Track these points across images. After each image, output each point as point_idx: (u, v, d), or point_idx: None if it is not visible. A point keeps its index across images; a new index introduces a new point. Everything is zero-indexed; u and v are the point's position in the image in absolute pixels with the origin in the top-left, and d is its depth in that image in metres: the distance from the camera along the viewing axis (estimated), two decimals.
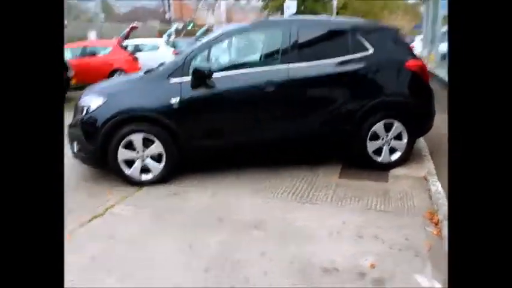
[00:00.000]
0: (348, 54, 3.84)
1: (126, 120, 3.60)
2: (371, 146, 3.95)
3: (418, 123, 4.04)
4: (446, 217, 2.86)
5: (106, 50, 10.82)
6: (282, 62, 3.74)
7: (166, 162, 3.72)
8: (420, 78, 3.93)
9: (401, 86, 3.92)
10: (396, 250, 2.57)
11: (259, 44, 4.08)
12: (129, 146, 3.66)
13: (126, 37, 11.17)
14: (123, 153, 3.65)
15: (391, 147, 4.01)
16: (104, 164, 3.76)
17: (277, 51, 3.80)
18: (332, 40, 3.94)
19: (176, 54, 8.02)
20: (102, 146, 3.62)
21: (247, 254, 2.57)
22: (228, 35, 3.83)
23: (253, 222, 3.00)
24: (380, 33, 3.96)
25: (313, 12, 26.22)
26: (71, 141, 3.87)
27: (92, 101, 3.69)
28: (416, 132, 4.13)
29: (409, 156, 4.15)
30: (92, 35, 12.86)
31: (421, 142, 4.81)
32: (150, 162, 3.72)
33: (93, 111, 3.63)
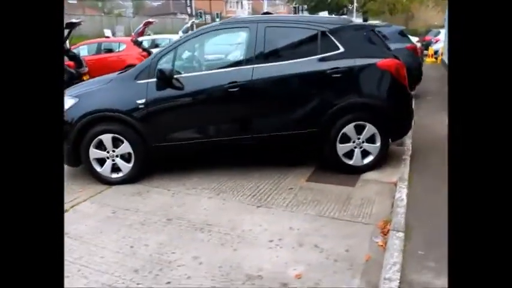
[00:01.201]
0: (317, 54, 3.74)
1: (96, 120, 3.71)
2: (341, 148, 3.85)
3: (392, 126, 3.89)
4: (397, 227, 2.77)
5: (122, 47, 11.14)
6: (247, 62, 3.70)
7: (135, 162, 3.81)
8: (394, 78, 3.77)
9: (373, 86, 3.78)
10: (331, 261, 2.51)
11: (227, 43, 4.06)
12: (100, 145, 3.78)
13: (141, 33, 11.42)
14: (94, 153, 3.78)
15: (363, 150, 3.89)
16: (78, 163, 3.91)
17: (243, 51, 3.76)
18: (301, 39, 3.85)
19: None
20: (74, 145, 3.76)
21: (181, 256, 2.61)
22: (195, 35, 3.84)
23: (200, 224, 3.02)
24: (352, 31, 3.82)
25: (339, 4, 25.63)
26: None
27: (66, 101, 3.83)
28: (391, 135, 3.97)
29: (383, 160, 4.01)
30: (108, 32, 13.25)
31: (407, 144, 4.63)
32: (120, 162, 3.83)
33: (66, 111, 3.77)
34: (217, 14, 33.42)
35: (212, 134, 3.77)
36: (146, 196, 3.61)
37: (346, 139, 3.84)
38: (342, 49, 3.74)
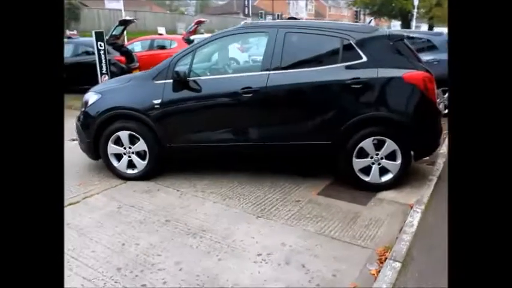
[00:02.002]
0: (338, 63, 3.55)
1: (115, 117, 3.86)
2: (358, 163, 3.62)
3: (416, 144, 3.58)
4: (396, 256, 2.54)
5: (173, 44, 11.54)
6: (263, 68, 3.61)
7: (149, 160, 3.90)
8: (421, 92, 3.46)
9: (396, 100, 3.50)
10: (313, 285, 2.36)
11: (246, 48, 3.99)
12: (118, 141, 3.92)
13: (193, 32, 11.75)
14: (112, 148, 3.93)
15: (382, 167, 3.62)
16: (99, 156, 4.09)
17: (260, 57, 3.68)
18: (321, 46, 3.68)
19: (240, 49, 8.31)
20: (95, 139, 3.94)
21: (165, 260, 2.60)
22: (214, 38, 3.82)
23: (195, 229, 3.00)
24: (377, 40, 3.57)
25: (402, 9, 24.40)
26: (77, 132, 4.28)
27: (91, 97, 4.02)
28: (414, 154, 3.66)
29: (403, 179, 3.71)
30: (162, 30, 13.75)
31: (438, 163, 4.24)
32: (135, 159, 3.94)
33: (89, 106, 3.96)
34: (278, 15, 33.49)
35: (224, 139, 3.73)
36: (154, 194, 3.68)
37: (363, 154, 3.60)
38: (364, 58, 3.51)
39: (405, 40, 3.72)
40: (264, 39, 3.74)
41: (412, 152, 3.65)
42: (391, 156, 3.59)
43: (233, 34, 3.80)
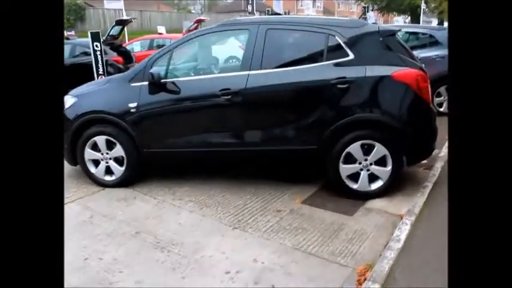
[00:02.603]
0: (323, 61, 3.31)
1: (92, 122, 3.68)
2: (345, 169, 3.37)
3: (409, 148, 3.32)
4: (376, 278, 2.30)
5: None
6: (243, 68, 3.39)
7: (127, 166, 3.72)
8: (413, 92, 3.20)
9: (385, 101, 3.24)
10: None
11: (225, 47, 3.78)
12: (96, 146, 3.75)
13: (193, 30, 11.56)
14: (89, 153, 3.76)
15: (371, 173, 3.37)
16: (76, 162, 3.92)
17: (240, 56, 3.46)
18: (305, 43, 3.44)
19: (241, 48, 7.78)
20: (72, 144, 3.78)
21: (126, 278, 2.42)
22: (192, 37, 3.61)
23: (164, 242, 2.81)
24: (365, 35, 3.31)
25: (411, 4, 23.81)
26: None
27: (67, 100, 3.86)
28: (406, 158, 3.40)
29: (395, 186, 3.45)
30: (162, 29, 13.60)
31: (435, 168, 3.96)
32: (113, 165, 3.76)
33: (66, 110, 3.80)
34: (285, 12, 33.11)
35: (203, 144, 3.53)
36: (130, 203, 3.49)
37: (351, 159, 3.35)
38: (351, 56, 3.26)
39: (397, 35, 3.46)
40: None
41: (404, 157, 3.39)
42: (381, 162, 3.33)
43: (212, 32, 3.58)
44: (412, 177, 3.79)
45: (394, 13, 28.28)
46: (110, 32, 9.29)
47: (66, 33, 11.68)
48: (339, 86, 3.24)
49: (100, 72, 8.07)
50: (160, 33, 13.12)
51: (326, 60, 3.32)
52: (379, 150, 3.28)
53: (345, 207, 3.30)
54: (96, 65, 8.04)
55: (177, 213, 3.27)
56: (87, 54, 9.26)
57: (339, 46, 3.30)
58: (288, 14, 28.73)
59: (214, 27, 3.59)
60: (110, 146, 3.72)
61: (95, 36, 8.25)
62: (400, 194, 3.47)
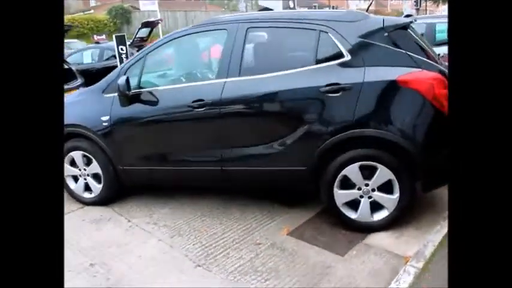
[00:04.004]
0: (312, 64, 2.73)
1: (68, 136, 3.41)
2: (341, 196, 2.77)
3: (421, 171, 2.63)
4: None
5: None
6: (219, 75, 2.90)
7: (104, 184, 3.41)
8: (426, 100, 2.51)
9: (390, 112, 2.58)
10: None
11: (201, 50, 3.30)
12: (74, 162, 3.49)
13: None
14: (67, 169, 3.51)
15: (374, 201, 2.73)
16: None
17: (215, 61, 2.97)
18: (291, 43, 2.88)
19: None
20: None
21: None
22: (166, 41, 3.17)
23: (113, 280, 2.43)
24: (366, 30, 2.66)
25: None
26: None
27: None
28: (422, 183, 2.70)
29: (404, 216, 2.77)
30: None
31: None
32: (91, 182, 3.48)
33: None
34: (332, 6, 31.85)
35: (178, 162, 3.10)
36: (101, 226, 3.17)
37: (348, 184, 2.74)
38: (347, 57, 2.65)
39: (411, 28, 2.76)
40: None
41: (416, 182, 2.70)
42: (387, 188, 2.68)
43: (186, 34, 3.11)
44: (430, 204, 3.07)
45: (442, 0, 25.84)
46: (136, 34, 9.23)
47: (96, 38, 11.95)
48: (331, 94, 2.64)
49: None
50: None
51: (316, 63, 2.73)
52: (383, 173, 2.63)
53: (339, 242, 2.70)
54: None
55: (144, 242, 2.88)
56: (115, 57, 9.32)
57: (332, 45, 2.70)
58: (334, 9, 27.40)
59: (188, 29, 3.13)
60: (89, 161, 3.43)
61: (120, 40, 8.21)
62: (412, 226, 2.79)
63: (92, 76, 5.74)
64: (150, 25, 9.38)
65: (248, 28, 2.89)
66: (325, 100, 2.66)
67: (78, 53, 10.02)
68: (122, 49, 8.20)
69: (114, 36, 8.25)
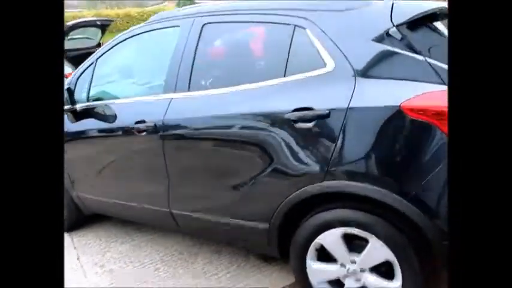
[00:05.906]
0: (279, 76, 1.84)
1: None
2: (316, 272, 1.88)
3: (432, 245, 1.61)
4: None
5: None
6: (166, 89, 2.17)
7: (65, 207, 2.96)
8: (440, 136, 1.49)
9: (390, 157, 1.60)
10: None
11: (153, 54, 2.54)
12: None
13: None
14: None
15: (364, 286, 1.79)
16: None
17: (163, 69, 2.22)
18: (260, 44, 2.00)
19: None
20: None
21: None
22: (115, 43, 2.49)
23: None
24: (359, 25, 1.70)
25: None
26: None
27: None
28: (433, 264, 1.69)
29: None
30: None
31: None
32: None
33: None
34: None
35: (126, 196, 2.49)
36: None
37: (327, 257, 1.84)
38: (329, 65, 1.71)
39: (436, 23, 1.72)
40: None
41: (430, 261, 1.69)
42: (382, 271, 1.72)
43: (137, 34, 2.41)
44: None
45: None
46: None
47: None
48: (300, 123, 1.74)
49: None
50: None
51: (285, 75, 1.83)
52: (377, 250, 1.68)
53: None
54: None
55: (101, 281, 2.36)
56: None
57: (310, 46, 1.78)
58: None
59: (138, 28, 2.43)
60: None
61: None
62: None
63: None
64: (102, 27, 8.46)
65: (204, 24, 2.09)
66: (292, 132, 1.77)
67: None
68: None
69: None
